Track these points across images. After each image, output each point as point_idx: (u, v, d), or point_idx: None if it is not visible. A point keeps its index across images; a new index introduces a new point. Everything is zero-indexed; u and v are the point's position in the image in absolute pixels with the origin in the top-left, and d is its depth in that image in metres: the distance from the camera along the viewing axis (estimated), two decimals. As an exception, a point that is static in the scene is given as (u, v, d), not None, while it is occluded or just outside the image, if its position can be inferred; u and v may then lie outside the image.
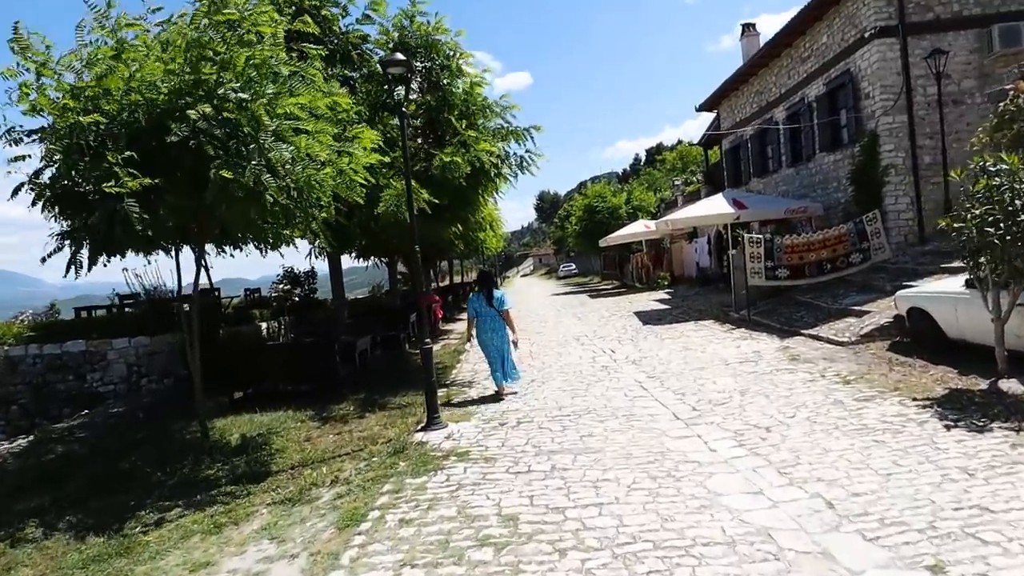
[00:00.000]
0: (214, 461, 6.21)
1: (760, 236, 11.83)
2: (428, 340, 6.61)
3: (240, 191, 5.19)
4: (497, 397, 7.96)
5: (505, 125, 9.75)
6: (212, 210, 5.37)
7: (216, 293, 13.76)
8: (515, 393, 8.06)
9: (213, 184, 5.05)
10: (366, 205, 7.88)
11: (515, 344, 8.29)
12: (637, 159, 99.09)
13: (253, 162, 5.14)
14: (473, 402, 7.91)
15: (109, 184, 4.72)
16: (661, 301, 19.79)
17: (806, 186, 15.83)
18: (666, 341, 11.42)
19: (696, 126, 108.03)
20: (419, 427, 6.68)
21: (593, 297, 26.46)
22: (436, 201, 8.59)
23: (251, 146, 5.23)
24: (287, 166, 5.31)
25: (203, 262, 6.41)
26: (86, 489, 5.85)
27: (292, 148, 5.35)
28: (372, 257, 18.90)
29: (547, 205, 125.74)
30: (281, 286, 14.74)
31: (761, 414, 5.95)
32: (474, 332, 8.40)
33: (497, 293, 8.31)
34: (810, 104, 15.08)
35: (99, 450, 7.08)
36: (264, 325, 13.67)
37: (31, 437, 7.81)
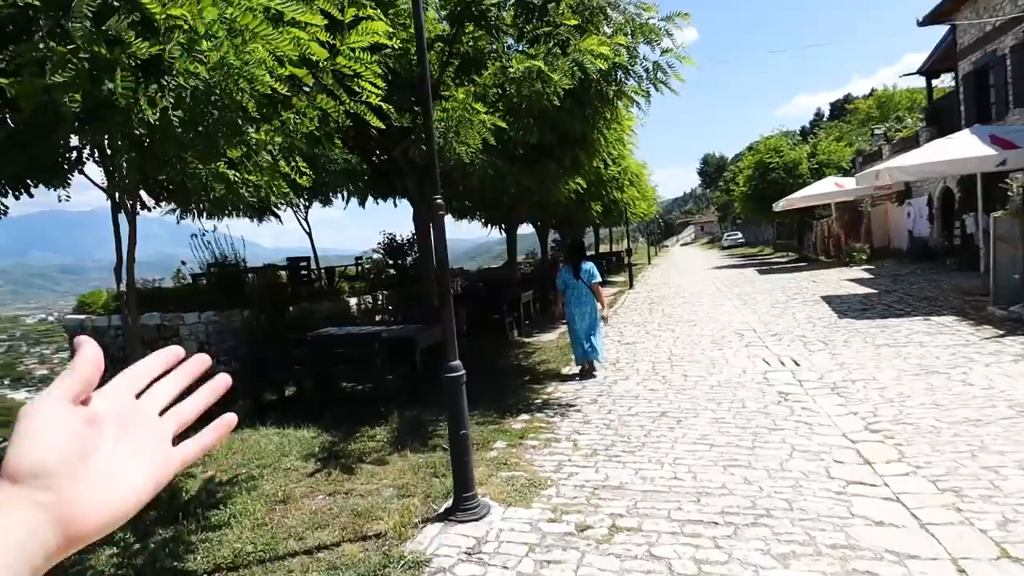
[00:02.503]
0: (135, 531, 4.00)
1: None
2: (455, 361, 3.72)
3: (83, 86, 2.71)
4: (584, 375, 7.52)
5: (634, 17, 6.38)
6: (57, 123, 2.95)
7: (305, 263, 12.11)
8: (594, 376, 7.53)
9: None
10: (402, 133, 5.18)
11: (605, 320, 7.73)
12: (819, 114, 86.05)
13: (79, 33, 2.60)
14: (558, 445, 4.96)
15: None
16: (860, 282, 15.01)
17: (1122, 114, 10.30)
18: (883, 350, 7.45)
19: (892, 73, 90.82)
20: (444, 508, 3.91)
21: (763, 273, 21.80)
22: (502, 126, 5.62)
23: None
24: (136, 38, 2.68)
25: (130, 216, 4.12)
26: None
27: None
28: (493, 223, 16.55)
29: (712, 169, 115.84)
30: (375, 256, 12.74)
31: None
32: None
33: (586, 265, 7.58)
34: None
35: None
36: (354, 301, 11.78)
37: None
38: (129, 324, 4.37)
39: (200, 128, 3.17)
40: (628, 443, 4.94)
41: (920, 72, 19.84)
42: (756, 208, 30.67)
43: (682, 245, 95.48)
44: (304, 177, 4.67)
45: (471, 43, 8.20)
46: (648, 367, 7.83)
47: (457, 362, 3.71)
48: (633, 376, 7.38)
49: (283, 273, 11.25)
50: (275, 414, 6.52)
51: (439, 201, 3.61)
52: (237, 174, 3.85)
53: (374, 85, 4.29)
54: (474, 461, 4.68)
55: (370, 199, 11.29)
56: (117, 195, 4.19)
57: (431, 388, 7.04)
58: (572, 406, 6.31)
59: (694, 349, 8.76)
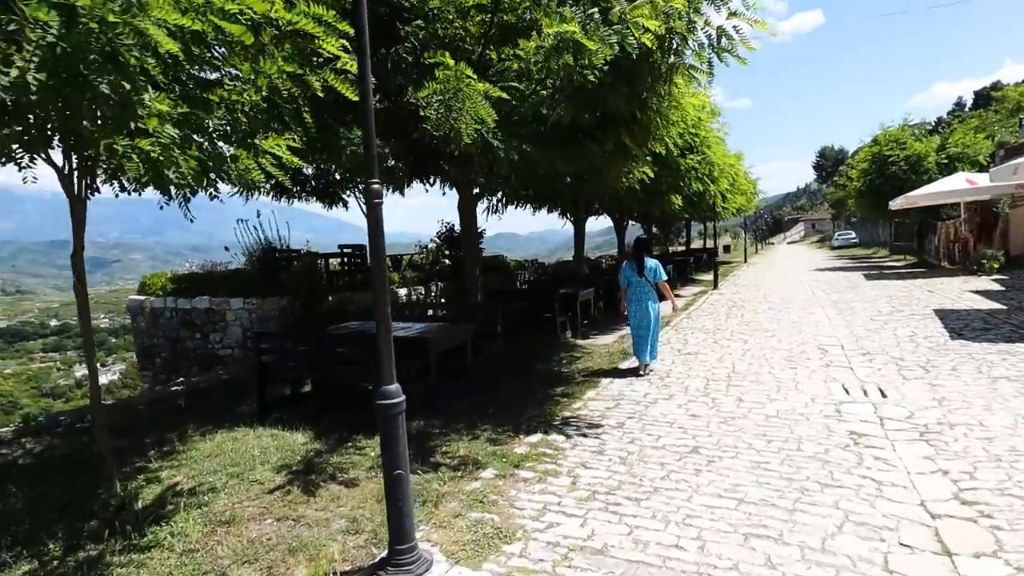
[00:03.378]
0: (68, 543, 3.68)
1: None
2: (391, 385, 3.02)
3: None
4: (635, 372, 7.44)
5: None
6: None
7: (359, 250, 11.87)
8: (647, 372, 7.42)
9: None
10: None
11: (675, 311, 8.06)
12: (960, 103, 76.99)
13: None
14: (555, 481, 4.17)
15: None
16: (986, 295, 12.82)
17: None
18: (1001, 385, 5.98)
19: (1058, 54, 78.88)
20: (380, 556, 3.26)
21: (872, 278, 19.47)
22: (503, 97, 4.83)
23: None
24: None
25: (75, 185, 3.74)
26: None
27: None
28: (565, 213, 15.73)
29: (828, 163, 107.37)
30: (430, 245, 12.30)
31: None
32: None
33: (650, 262, 7.39)
34: None
35: (38, 467, 5.18)
36: (403, 292, 11.44)
37: (14, 427, 6.39)
38: (80, 317, 4.03)
39: (86, 94, 2.68)
40: (638, 487, 4.06)
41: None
42: (871, 205, 27.52)
43: (789, 243, 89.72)
44: (286, 155, 4.15)
45: (522, 11, 7.41)
46: (700, 385, 6.79)
47: (393, 387, 3.02)
48: (679, 395, 6.39)
49: (332, 261, 11.08)
50: (283, 412, 6.17)
51: (375, 186, 2.92)
52: (161, 150, 3.33)
53: (344, 50, 3.72)
54: (449, 493, 4.03)
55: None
56: (75, 176, 3.86)
57: (453, 395, 6.46)
58: (596, 426, 5.46)
59: (762, 366, 7.57)
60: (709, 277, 22.12)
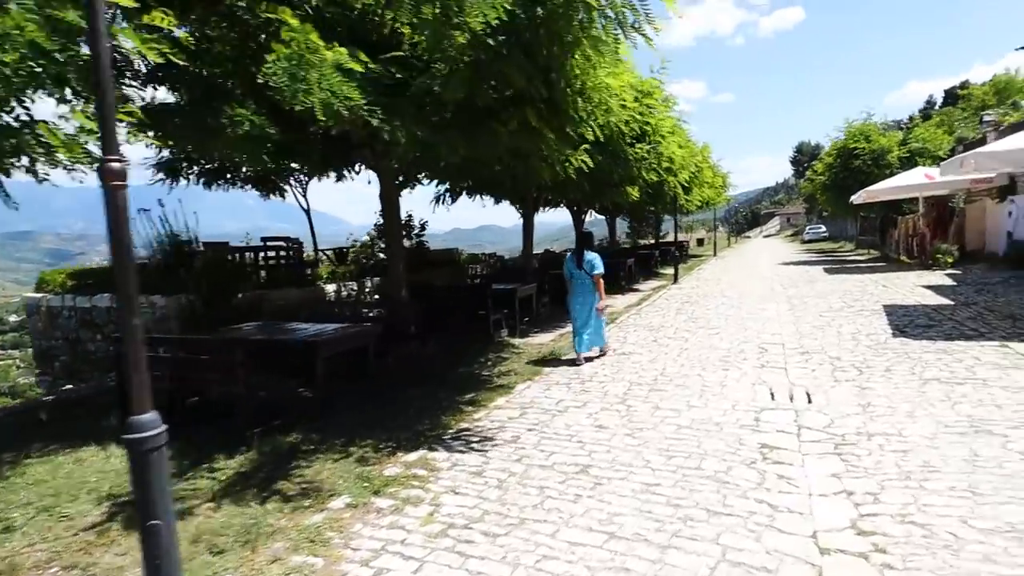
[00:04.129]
0: None
1: None
2: (146, 414, 2.40)
3: None
4: (574, 362, 7.48)
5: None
6: None
7: (291, 243, 11.15)
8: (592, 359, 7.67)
9: None
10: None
11: (600, 311, 7.64)
12: (931, 101, 77.86)
13: None
14: (411, 511, 3.59)
15: None
16: (937, 289, 12.56)
17: None
18: (931, 388, 5.56)
19: (1021, 58, 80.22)
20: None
21: (832, 272, 19.26)
22: (357, 69, 4.22)
23: None
24: None
25: None
26: None
27: None
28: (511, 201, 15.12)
29: (805, 158, 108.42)
30: (366, 238, 11.62)
31: None
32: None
33: (589, 255, 7.57)
34: None
35: None
36: (331, 288, 10.76)
37: None
38: None
39: None
40: (503, 518, 3.50)
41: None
42: (836, 200, 27.40)
43: (765, 236, 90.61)
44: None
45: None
46: (621, 390, 6.28)
47: (147, 417, 2.42)
48: (594, 403, 5.86)
49: (260, 255, 10.36)
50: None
51: (115, 166, 2.32)
52: None
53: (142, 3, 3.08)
54: (283, 529, 3.44)
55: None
56: None
57: (352, 403, 5.87)
58: (489, 440, 4.91)
59: (692, 368, 7.10)
60: (670, 271, 21.77)
